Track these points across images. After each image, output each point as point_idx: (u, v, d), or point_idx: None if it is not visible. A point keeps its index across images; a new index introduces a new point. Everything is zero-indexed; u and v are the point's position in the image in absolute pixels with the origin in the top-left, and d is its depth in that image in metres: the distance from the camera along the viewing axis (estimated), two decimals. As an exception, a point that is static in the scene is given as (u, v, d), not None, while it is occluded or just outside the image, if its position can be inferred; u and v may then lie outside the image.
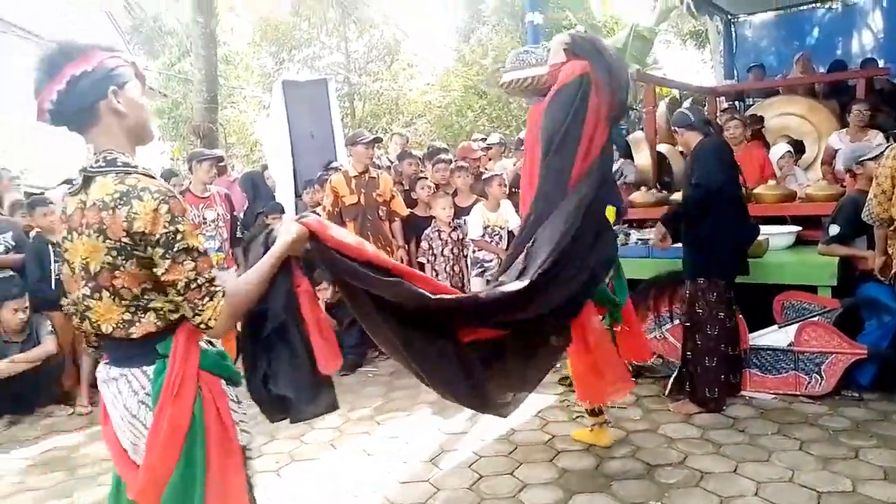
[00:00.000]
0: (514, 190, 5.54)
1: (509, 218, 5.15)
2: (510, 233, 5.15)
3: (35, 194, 5.66)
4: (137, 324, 1.49)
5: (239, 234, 5.42)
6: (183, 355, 1.51)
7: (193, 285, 1.47)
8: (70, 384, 4.94)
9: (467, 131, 10.87)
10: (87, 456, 3.92)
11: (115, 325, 1.49)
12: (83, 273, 1.49)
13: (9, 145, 11.62)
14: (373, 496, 3.08)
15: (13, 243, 4.77)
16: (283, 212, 5.50)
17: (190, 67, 11.29)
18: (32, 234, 4.97)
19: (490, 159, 6.55)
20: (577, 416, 3.88)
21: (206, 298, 1.48)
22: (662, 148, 6.40)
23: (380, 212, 5.04)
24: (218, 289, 1.50)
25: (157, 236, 1.42)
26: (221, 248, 5.13)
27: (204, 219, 5.07)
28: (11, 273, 4.74)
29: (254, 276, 1.63)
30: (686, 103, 6.56)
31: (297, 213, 5.54)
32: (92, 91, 1.49)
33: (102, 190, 1.45)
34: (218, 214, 5.13)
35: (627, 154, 6.44)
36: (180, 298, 1.48)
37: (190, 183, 5.22)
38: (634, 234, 4.80)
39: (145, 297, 1.48)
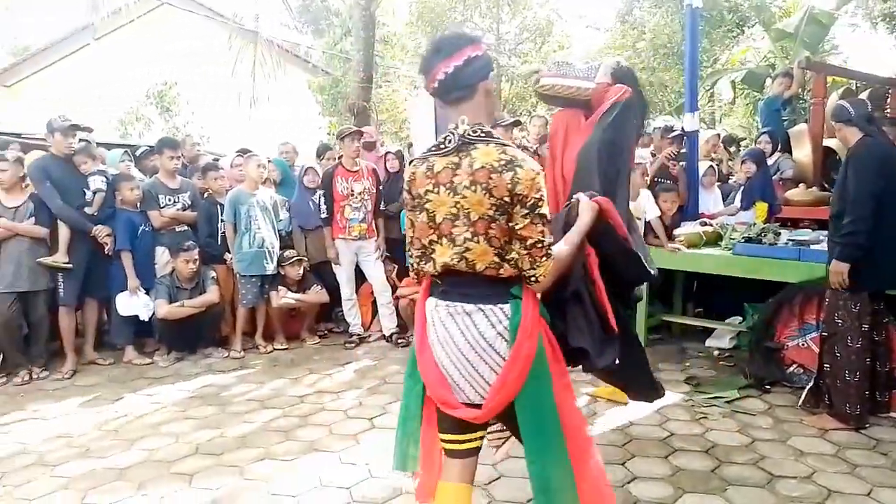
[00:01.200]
0: (655, 180, 5.39)
1: (647, 208, 5.00)
2: (647, 223, 5.02)
3: (212, 160, 6.32)
4: (502, 268, 1.81)
5: (382, 207, 5.74)
6: (533, 300, 1.87)
7: (539, 244, 1.79)
8: (227, 331, 5.53)
9: (615, 116, 10.54)
10: (237, 395, 4.40)
11: (487, 265, 1.81)
12: (464, 220, 1.79)
13: (191, 116, 13.00)
14: (482, 469, 3.19)
15: (189, 202, 5.38)
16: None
17: (350, 47, 11.91)
18: (205, 195, 5.58)
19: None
20: (700, 417, 3.76)
21: (544, 258, 1.81)
22: (831, 142, 5.88)
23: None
24: (553, 252, 1.84)
25: (530, 199, 1.75)
26: (365, 219, 5.46)
27: (352, 191, 5.41)
28: (186, 228, 5.37)
29: (567, 245, 2.00)
30: (863, 95, 5.98)
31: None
32: (478, 72, 1.84)
33: (488, 156, 1.77)
34: (364, 187, 5.46)
35: (786, 148, 5.99)
36: (525, 252, 1.80)
37: (342, 157, 5.58)
38: (785, 234, 4.49)
39: (507, 247, 1.81)
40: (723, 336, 5.13)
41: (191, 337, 5.28)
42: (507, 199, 1.74)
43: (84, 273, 4.95)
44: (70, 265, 4.83)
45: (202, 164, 6.09)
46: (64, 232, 4.83)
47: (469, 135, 1.81)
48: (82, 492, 3.06)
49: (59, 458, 3.45)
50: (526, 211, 1.75)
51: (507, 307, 1.83)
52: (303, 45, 16.44)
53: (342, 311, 5.78)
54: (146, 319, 5.12)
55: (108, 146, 6.59)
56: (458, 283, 1.86)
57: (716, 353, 5.01)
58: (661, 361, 4.82)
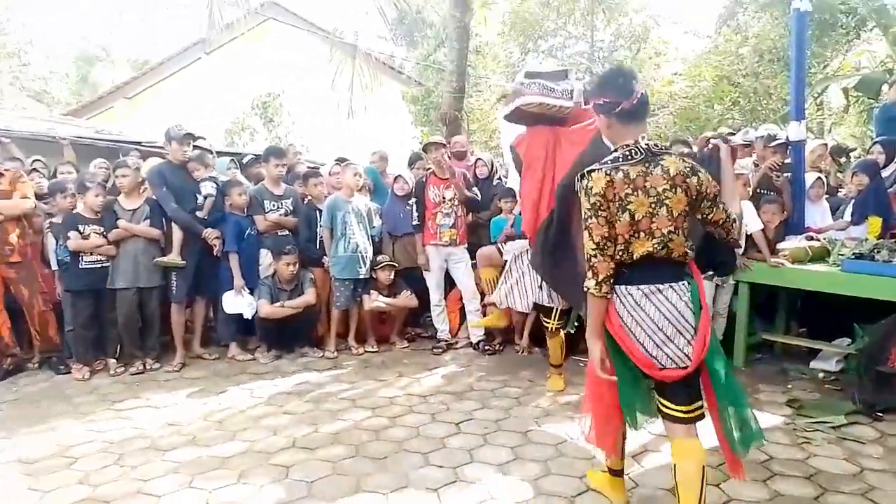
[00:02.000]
0: (758, 191, 5.17)
1: (749, 221, 4.80)
2: (748, 236, 4.82)
3: (312, 168, 6.61)
4: (689, 253, 2.35)
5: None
6: (698, 275, 2.47)
7: (729, 220, 2.40)
8: (322, 331, 5.75)
9: (714, 124, 10.17)
10: (330, 393, 4.57)
11: (681, 252, 2.32)
12: (666, 216, 2.28)
13: (291, 126, 13.61)
14: (568, 479, 3.18)
15: (291, 208, 5.65)
16: (514, 197, 5.73)
17: (443, 58, 12.11)
18: (306, 201, 5.84)
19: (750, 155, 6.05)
20: (803, 442, 3.57)
21: (733, 226, 2.42)
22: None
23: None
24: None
25: (711, 194, 2.33)
26: (455, 225, 5.55)
27: (443, 198, 5.52)
28: (288, 232, 5.64)
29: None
30: None
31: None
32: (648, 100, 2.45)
33: (676, 164, 2.29)
34: (455, 195, 5.55)
35: (906, 159, 5.57)
36: (721, 230, 2.41)
37: (431, 166, 5.70)
38: (901, 251, 4.20)
39: (689, 235, 2.36)
40: (829, 358, 4.84)
41: (289, 336, 5.53)
42: (695, 196, 2.30)
43: (194, 272, 5.30)
44: (184, 263, 5.19)
45: (302, 171, 6.38)
46: (177, 234, 5.20)
47: (654, 148, 2.30)
48: (190, 476, 3.28)
49: (169, 444, 3.71)
50: (710, 203, 2.33)
51: (686, 283, 2.35)
52: (398, 56, 16.87)
53: (430, 316, 5.89)
54: (249, 318, 5.41)
55: (218, 154, 7.01)
56: (649, 269, 2.33)
57: (821, 375, 4.73)
58: (760, 382, 4.61)
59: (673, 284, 2.33)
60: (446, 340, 5.72)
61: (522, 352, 5.47)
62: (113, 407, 4.37)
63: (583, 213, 2.35)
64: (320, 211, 5.61)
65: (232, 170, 6.27)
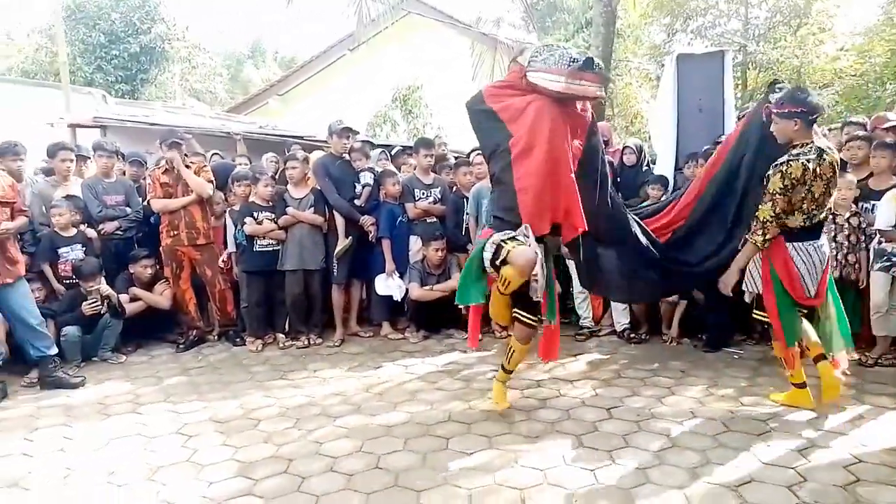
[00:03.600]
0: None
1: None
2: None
3: (459, 157, 6.83)
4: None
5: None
6: None
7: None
8: (465, 313, 5.94)
9: (887, 104, 9.22)
10: (479, 373, 4.76)
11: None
12: (825, 196, 3.56)
13: (430, 118, 13.99)
14: (731, 467, 3.12)
15: (439, 196, 5.89)
16: (666, 184, 5.61)
17: (583, 43, 11.93)
18: (454, 189, 6.06)
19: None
20: None
21: None
22: None
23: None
24: None
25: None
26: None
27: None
28: (436, 220, 5.88)
29: None
30: None
31: (674, 187, 5.63)
32: None
33: (834, 157, 3.52)
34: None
35: None
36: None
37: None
38: None
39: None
40: None
41: (436, 317, 5.79)
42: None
43: (352, 256, 5.69)
44: (351, 241, 5.56)
45: (449, 161, 6.62)
46: (339, 220, 5.61)
47: (821, 145, 3.49)
48: (360, 441, 3.57)
49: (338, 411, 4.06)
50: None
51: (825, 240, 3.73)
52: (532, 43, 16.81)
53: (572, 303, 5.91)
54: (399, 300, 5.73)
55: (371, 145, 7.43)
56: (816, 231, 3.62)
57: None
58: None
59: (822, 242, 3.65)
60: (589, 328, 5.72)
61: (671, 342, 5.36)
62: (285, 377, 4.83)
63: (771, 189, 3.46)
64: (467, 199, 5.81)
65: (383, 161, 6.62)
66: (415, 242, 5.84)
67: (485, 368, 4.87)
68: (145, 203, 5.86)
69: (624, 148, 6.36)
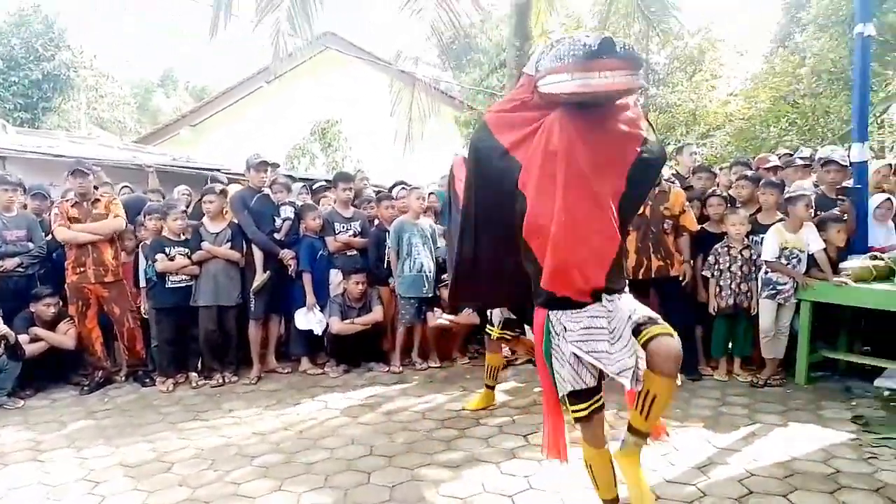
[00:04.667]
0: (818, 213, 5.21)
1: (811, 241, 4.87)
2: (810, 256, 4.88)
3: (380, 191, 6.92)
4: None
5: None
6: None
7: None
8: (388, 347, 6.00)
9: (771, 145, 10.11)
10: (400, 406, 4.79)
11: None
12: None
13: (349, 151, 14.06)
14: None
15: (359, 229, 5.95)
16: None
17: (496, 83, 12.39)
18: (375, 223, 6.14)
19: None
20: (870, 457, 3.61)
21: None
22: None
23: (665, 225, 5.11)
24: None
25: None
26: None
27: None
28: (356, 253, 5.93)
29: None
30: None
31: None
32: None
33: None
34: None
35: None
36: None
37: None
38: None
39: None
40: (894, 376, 4.82)
41: (357, 351, 5.80)
42: None
43: (270, 291, 5.63)
44: (270, 275, 5.51)
45: (365, 196, 6.71)
46: (258, 255, 5.56)
47: None
48: (279, 480, 3.53)
49: (256, 451, 3.99)
50: None
51: None
52: (449, 81, 17.25)
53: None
54: (319, 334, 5.71)
55: (292, 179, 7.42)
56: None
57: (886, 393, 4.71)
58: (823, 399, 4.64)
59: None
60: (506, 357, 5.88)
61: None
62: (199, 417, 4.69)
63: None
64: (388, 232, 5.89)
65: (303, 195, 6.62)
66: (335, 276, 5.86)
67: (406, 401, 4.91)
68: (48, 238, 5.60)
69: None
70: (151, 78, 34.58)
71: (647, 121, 2.59)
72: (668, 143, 11.68)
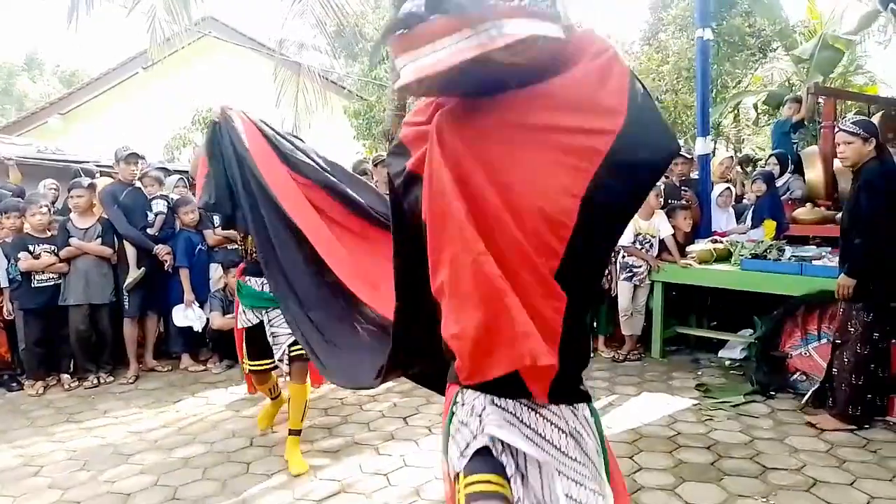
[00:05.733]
0: (669, 202, 5.73)
1: (661, 227, 5.37)
2: (661, 241, 5.38)
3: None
4: None
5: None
6: None
7: None
8: (273, 341, 5.99)
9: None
10: (285, 398, 4.85)
11: None
12: None
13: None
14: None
15: (239, 223, 5.90)
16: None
17: (384, 74, 12.47)
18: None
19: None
20: (706, 419, 4.09)
21: None
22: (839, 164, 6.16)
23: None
24: None
25: None
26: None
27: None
28: (237, 246, 5.87)
29: None
30: (876, 118, 6.26)
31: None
32: None
33: None
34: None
35: (797, 169, 6.28)
36: None
37: (377, 181, 6.06)
38: (789, 251, 4.81)
39: None
40: (735, 347, 5.43)
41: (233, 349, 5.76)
42: None
43: (146, 288, 5.49)
44: (144, 271, 5.37)
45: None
46: (130, 251, 5.40)
47: None
48: (155, 476, 3.53)
49: (133, 449, 3.94)
50: None
51: None
52: (338, 72, 17.11)
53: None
54: (199, 331, 5.63)
55: (167, 171, 7.18)
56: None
57: (727, 363, 5.31)
58: (675, 370, 5.16)
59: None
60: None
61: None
62: (72, 419, 4.54)
63: None
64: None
65: (180, 187, 6.46)
66: (215, 270, 5.79)
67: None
68: None
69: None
70: (15, 60, 31.85)
71: (636, 89, 1.35)
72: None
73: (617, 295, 5.47)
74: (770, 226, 5.41)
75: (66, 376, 5.33)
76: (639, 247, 5.34)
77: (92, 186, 5.56)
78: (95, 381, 5.30)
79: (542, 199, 1.34)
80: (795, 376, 4.54)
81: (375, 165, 6.06)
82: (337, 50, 18.31)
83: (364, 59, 16.67)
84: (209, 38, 14.34)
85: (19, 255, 5.11)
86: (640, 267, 5.35)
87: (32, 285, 5.17)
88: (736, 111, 12.60)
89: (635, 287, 5.39)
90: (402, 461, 3.60)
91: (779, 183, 5.98)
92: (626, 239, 5.33)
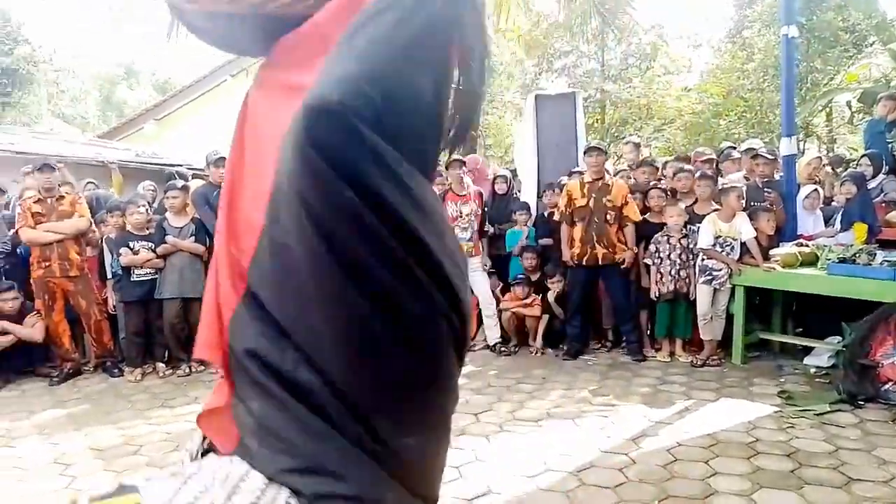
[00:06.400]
0: (751, 204, 5.57)
1: (743, 230, 5.22)
2: (742, 244, 5.24)
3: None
4: None
5: (487, 228, 6.26)
6: None
7: None
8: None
9: (721, 137, 10.56)
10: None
11: None
12: None
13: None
14: (576, 457, 3.60)
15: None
16: (528, 211, 6.20)
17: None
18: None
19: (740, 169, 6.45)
20: (788, 427, 3.96)
21: None
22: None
23: (608, 216, 5.45)
24: None
25: None
26: (471, 239, 6.00)
27: (460, 213, 5.98)
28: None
29: None
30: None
31: (536, 214, 6.25)
32: None
33: None
34: (471, 210, 6.01)
35: (892, 170, 5.95)
36: None
37: (450, 183, 6.16)
38: (881, 255, 4.58)
39: None
40: (821, 354, 5.21)
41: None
42: None
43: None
44: None
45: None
46: (221, 248, 5.72)
47: None
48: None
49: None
50: None
51: None
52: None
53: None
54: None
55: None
56: None
57: (812, 370, 5.10)
58: (756, 377, 5.00)
59: None
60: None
61: (536, 353, 5.89)
62: (166, 404, 4.87)
63: None
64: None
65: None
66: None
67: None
68: (12, 233, 5.70)
69: (495, 178, 6.90)
70: (115, 70, 34.04)
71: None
72: (623, 137, 12.05)
73: (696, 298, 5.35)
74: (860, 229, 5.16)
75: (161, 365, 5.71)
76: (719, 249, 5.22)
77: (185, 188, 5.94)
78: (188, 370, 5.65)
79: (256, 175, 0.99)
80: (887, 386, 4.32)
81: (447, 168, 6.14)
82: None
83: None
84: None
85: (120, 251, 5.53)
86: (721, 270, 5.21)
87: (132, 279, 5.58)
88: (828, 109, 12.00)
89: (715, 291, 5.26)
90: (473, 455, 3.68)
91: (872, 184, 5.69)
92: (705, 241, 5.22)
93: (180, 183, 5.97)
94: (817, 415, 4.13)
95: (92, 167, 7.95)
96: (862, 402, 4.28)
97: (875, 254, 4.59)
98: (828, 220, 5.89)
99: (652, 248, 5.52)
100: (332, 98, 0.77)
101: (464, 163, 6.32)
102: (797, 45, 5.53)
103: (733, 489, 3.16)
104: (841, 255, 4.75)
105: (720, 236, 5.23)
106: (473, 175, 6.73)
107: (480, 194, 6.23)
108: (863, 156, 6.08)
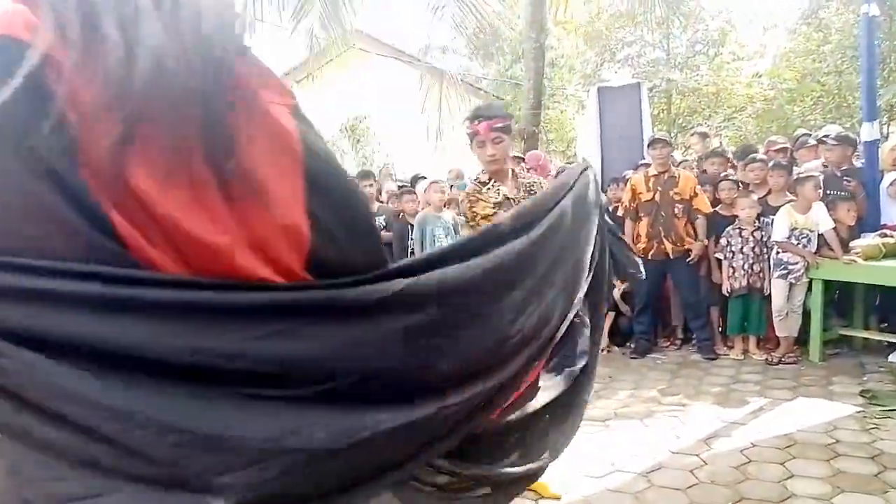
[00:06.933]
0: (829, 193, 5.31)
1: (820, 220, 5.00)
2: (820, 236, 5.01)
3: (403, 185, 7.22)
4: None
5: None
6: None
7: None
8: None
9: (795, 125, 10.09)
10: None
11: None
12: None
13: (378, 146, 14.35)
14: (645, 458, 3.54)
15: (384, 223, 6.26)
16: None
17: (520, 73, 12.56)
18: (399, 216, 6.44)
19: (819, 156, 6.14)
20: (872, 428, 3.77)
21: None
22: None
23: (675, 209, 5.29)
24: None
25: None
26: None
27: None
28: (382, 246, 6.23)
29: None
30: None
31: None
32: None
33: None
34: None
35: None
36: None
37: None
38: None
39: None
40: (909, 351, 4.93)
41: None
42: None
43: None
44: None
45: (392, 189, 7.02)
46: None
47: None
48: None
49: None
50: None
51: None
52: (474, 73, 17.41)
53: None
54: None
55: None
56: None
57: (899, 368, 4.84)
58: (836, 375, 4.78)
59: None
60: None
61: (602, 351, 5.80)
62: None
63: None
64: (412, 226, 6.17)
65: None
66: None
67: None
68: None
69: (558, 173, 6.83)
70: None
71: None
72: (692, 127, 11.67)
73: (770, 293, 5.15)
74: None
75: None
76: (795, 242, 5.00)
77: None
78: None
79: None
80: (984, 385, 4.05)
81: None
82: (475, 51, 18.66)
83: (500, 58, 16.84)
84: (353, 49, 15.16)
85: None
86: (797, 264, 5.00)
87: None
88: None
89: (791, 285, 5.05)
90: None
91: (963, 170, 5.32)
92: (780, 234, 5.02)
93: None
94: (904, 415, 3.92)
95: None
96: (956, 402, 4.03)
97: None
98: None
99: (723, 241, 5.34)
100: None
101: (522, 159, 6.29)
102: (879, 23, 5.22)
103: (812, 493, 3.04)
104: (929, 246, 4.47)
105: (796, 228, 5.02)
106: (536, 171, 6.68)
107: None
108: (952, 140, 5.70)
